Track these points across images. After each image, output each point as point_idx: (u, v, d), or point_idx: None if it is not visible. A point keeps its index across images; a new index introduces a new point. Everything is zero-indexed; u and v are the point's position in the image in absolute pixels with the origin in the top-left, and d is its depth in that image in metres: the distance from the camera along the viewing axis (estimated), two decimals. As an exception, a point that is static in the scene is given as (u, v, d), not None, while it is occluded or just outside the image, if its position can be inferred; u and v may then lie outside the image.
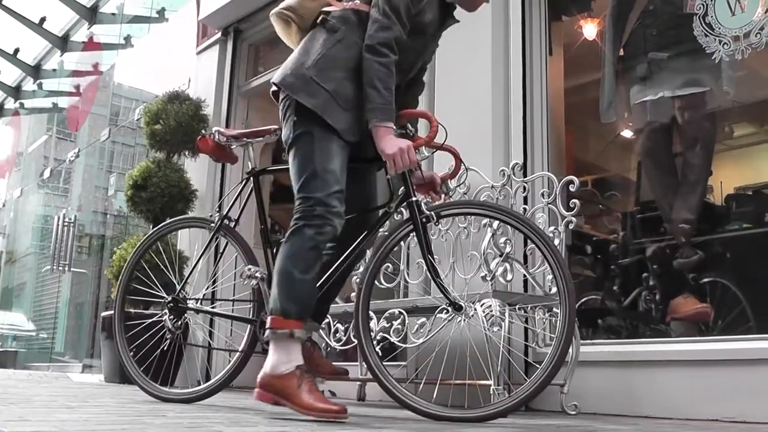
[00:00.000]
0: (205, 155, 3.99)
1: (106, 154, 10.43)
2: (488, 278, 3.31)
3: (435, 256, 2.99)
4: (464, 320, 2.84)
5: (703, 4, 3.74)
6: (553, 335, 3.48)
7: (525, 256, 3.71)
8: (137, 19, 10.10)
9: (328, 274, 2.94)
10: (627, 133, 5.21)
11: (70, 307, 10.47)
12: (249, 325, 3.22)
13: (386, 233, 3.01)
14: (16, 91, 13.94)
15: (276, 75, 2.92)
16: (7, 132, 15.13)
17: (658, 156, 4.37)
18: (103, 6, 10.75)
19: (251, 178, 3.35)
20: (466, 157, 4.03)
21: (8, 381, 5.22)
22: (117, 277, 5.85)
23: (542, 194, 3.67)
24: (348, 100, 2.82)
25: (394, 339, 3.57)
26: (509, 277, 3.38)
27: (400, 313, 3.54)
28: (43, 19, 11.56)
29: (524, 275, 3.63)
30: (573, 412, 3.35)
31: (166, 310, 3.45)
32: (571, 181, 3.41)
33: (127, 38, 10.22)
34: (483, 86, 4.27)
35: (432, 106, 4.56)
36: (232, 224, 3.45)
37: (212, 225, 3.45)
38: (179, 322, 3.45)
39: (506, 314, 3.22)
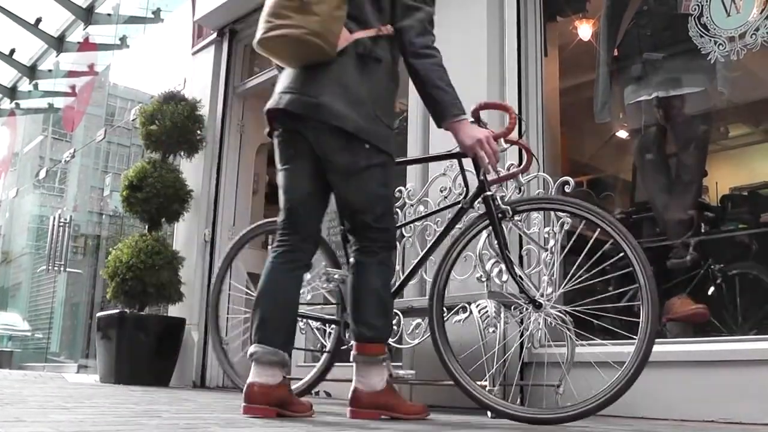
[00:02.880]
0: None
1: (102, 155, 10.40)
2: (483, 279, 3.31)
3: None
4: (541, 317, 2.92)
5: (698, 5, 3.75)
6: (549, 337, 3.49)
7: (520, 257, 3.71)
8: (133, 20, 10.08)
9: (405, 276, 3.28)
10: (622, 134, 5.21)
11: (66, 307, 10.44)
12: (335, 326, 3.40)
13: (462, 228, 3.08)
14: (12, 92, 13.91)
15: (338, 118, 2.72)
16: (3, 132, 15.09)
17: (652, 156, 4.37)
18: (99, 7, 10.74)
19: None
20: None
21: (3, 381, 5.21)
22: (112, 277, 5.86)
23: (538, 195, 3.67)
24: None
25: (389, 340, 3.56)
26: (504, 278, 3.38)
27: (396, 314, 3.54)
28: (38, 20, 11.54)
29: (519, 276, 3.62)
30: (568, 413, 3.35)
31: None
32: (567, 182, 3.40)
33: (123, 39, 10.20)
34: (478, 86, 4.27)
35: (427, 107, 4.56)
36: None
37: None
38: None
39: (501, 315, 3.23)
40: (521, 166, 3.19)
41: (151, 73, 8.98)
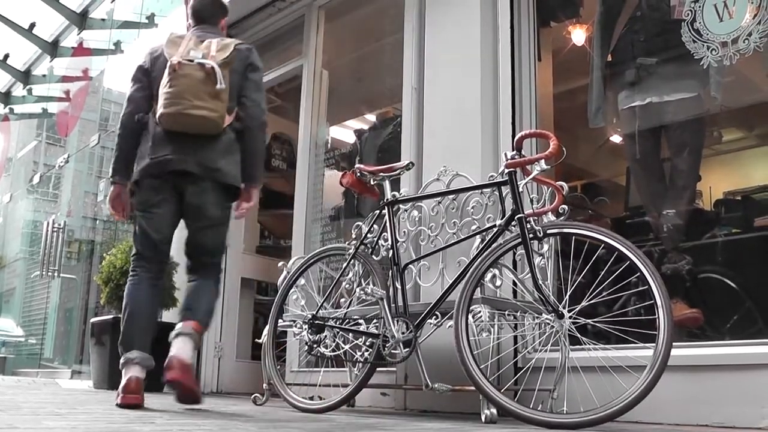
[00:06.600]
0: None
1: (96, 160, 10.37)
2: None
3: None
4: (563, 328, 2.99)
5: (691, 11, 3.76)
6: (542, 341, 3.49)
7: (514, 262, 3.71)
8: (127, 25, 10.07)
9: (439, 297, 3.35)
10: (615, 139, 5.23)
11: (59, 312, 10.41)
12: (375, 340, 3.49)
13: (496, 244, 3.21)
14: (5, 97, 13.88)
15: (233, 178, 3.68)
16: (-3, 137, 15.08)
17: (646, 161, 4.37)
18: (93, 11, 10.72)
19: (386, 207, 3.75)
20: (455, 163, 4.06)
21: (-4, 388, 5.19)
22: (106, 283, 5.84)
23: (531, 200, 3.68)
24: None
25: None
26: (498, 283, 3.38)
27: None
28: (32, 25, 11.51)
29: (513, 281, 3.62)
30: (562, 418, 3.34)
31: (306, 326, 3.89)
32: (561, 187, 3.41)
33: (117, 44, 10.19)
34: (472, 91, 4.28)
35: (421, 112, 4.57)
36: (369, 250, 3.87)
37: (349, 252, 3.90)
38: (317, 337, 3.84)
39: (495, 320, 3.23)
40: (552, 205, 3.31)
41: (145, 78, 8.95)
